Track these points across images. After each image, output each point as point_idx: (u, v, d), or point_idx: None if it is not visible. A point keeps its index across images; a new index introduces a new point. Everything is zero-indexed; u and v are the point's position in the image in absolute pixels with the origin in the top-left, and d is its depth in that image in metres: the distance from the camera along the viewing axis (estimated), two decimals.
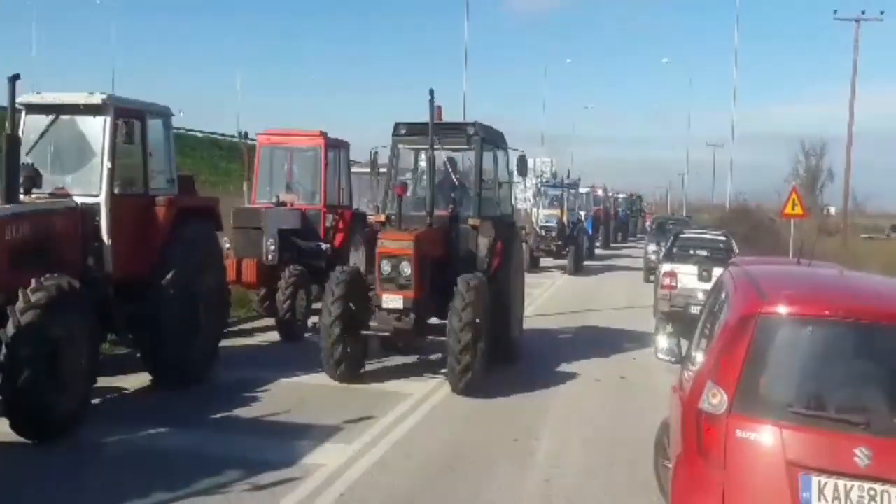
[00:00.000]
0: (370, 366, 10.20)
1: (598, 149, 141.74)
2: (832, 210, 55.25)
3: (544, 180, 27.26)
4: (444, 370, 9.32)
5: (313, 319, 13.03)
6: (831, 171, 65.47)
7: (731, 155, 46.82)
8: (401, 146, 10.83)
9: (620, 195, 50.22)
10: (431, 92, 9.76)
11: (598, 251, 33.28)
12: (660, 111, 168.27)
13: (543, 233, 24.90)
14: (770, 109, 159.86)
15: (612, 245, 39.98)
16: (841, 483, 3.81)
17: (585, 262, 27.07)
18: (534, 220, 25.49)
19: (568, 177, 28.35)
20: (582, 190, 31.15)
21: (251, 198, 13.64)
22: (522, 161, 11.29)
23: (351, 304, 9.28)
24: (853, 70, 36.18)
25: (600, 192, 39.11)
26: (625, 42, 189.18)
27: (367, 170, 19.20)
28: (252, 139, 14.35)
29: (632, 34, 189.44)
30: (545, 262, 25.53)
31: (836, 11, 36.76)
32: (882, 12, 36.16)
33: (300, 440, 7.10)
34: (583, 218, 29.24)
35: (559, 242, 24.77)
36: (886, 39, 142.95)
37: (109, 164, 8.03)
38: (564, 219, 25.31)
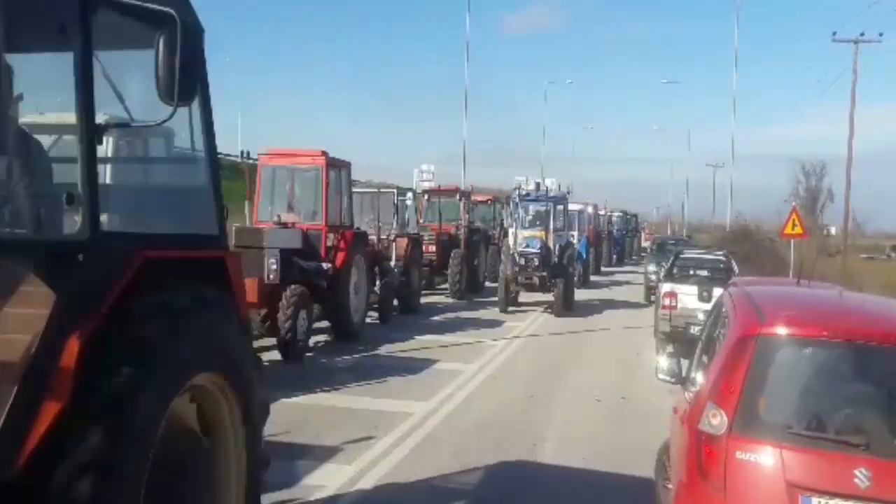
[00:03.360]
0: (371, 384, 10.23)
1: (596, 168, 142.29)
2: (832, 230, 55.27)
3: (522, 192, 20.92)
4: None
5: (315, 339, 13.12)
6: (831, 192, 65.64)
7: (731, 175, 46.91)
8: None
9: (615, 214, 46.55)
10: None
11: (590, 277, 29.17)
12: (659, 131, 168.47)
13: (523, 261, 18.90)
14: (770, 130, 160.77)
15: (606, 269, 36.12)
16: None
17: (579, 292, 22.15)
18: (511, 243, 19.81)
19: (559, 189, 22.04)
20: (573, 207, 26.30)
21: (252, 217, 13.70)
22: (189, 41, 3.42)
23: None
24: (852, 91, 36.33)
25: (590, 210, 34.79)
26: (622, 63, 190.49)
27: (369, 189, 19.62)
28: (254, 159, 14.43)
29: (629, 55, 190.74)
30: (524, 297, 20.35)
31: (834, 33, 36.91)
32: (881, 34, 36.38)
33: (300, 460, 7.08)
34: (575, 240, 23.93)
35: (543, 273, 18.93)
36: (885, 61, 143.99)
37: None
38: (550, 242, 19.69)
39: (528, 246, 19.20)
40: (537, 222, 20.74)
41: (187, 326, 3.53)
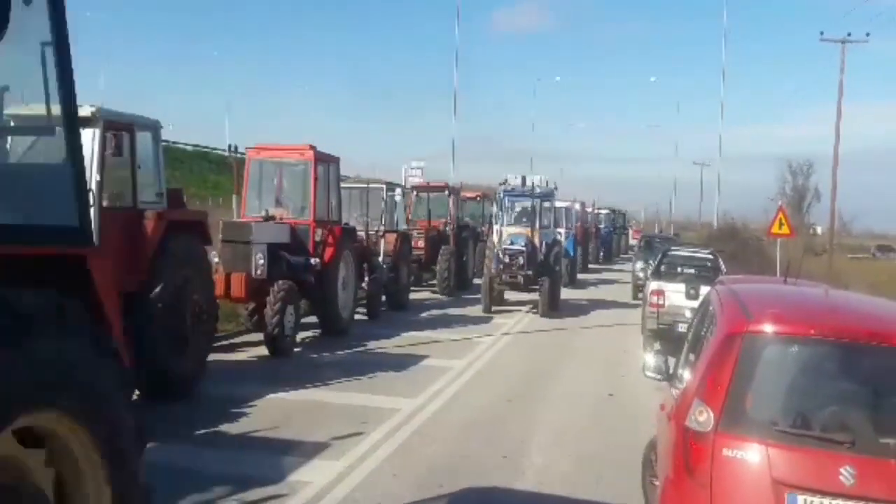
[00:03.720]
0: (359, 380, 10.23)
1: (585, 166, 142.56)
2: (819, 229, 55.73)
3: (508, 188, 19.74)
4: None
5: (303, 335, 13.09)
6: (818, 191, 66.18)
7: (719, 174, 47.21)
8: None
9: (602, 211, 45.63)
10: None
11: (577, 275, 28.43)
12: (647, 130, 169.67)
13: (507, 259, 18.24)
14: (757, 129, 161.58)
15: (593, 267, 35.63)
16: (826, 502, 3.83)
17: (565, 291, 21.40)
18: (495, 240, 18.97)
19: (546, 185, 20.32)
20: (560, 204, 26.12)
21: (240, 212, 13.64)
22: None
23: None
24: (839, 91, 36.57)
25: (578, 207, 33.97)
26: (612, 61, 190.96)
27: (357, 185, 19.55)
28: (242, 153, 14.36)
29: (619, 54, 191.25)
30: (510, 295, 19.85)
31: (822, 33, 37.21)
32: (867, 34, 36.67)
33: (287, 456, 7.06)
34: (562, 237, 23.68)
35: (528, 272, 18.24)
36: (872, 61, 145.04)
37: (98, 177, 8.00)
38: (536, 240, 18.90)
39: (512, 243, 18.47)
40: (523, 219, 20.00)
41: (6, 348, 2.63)
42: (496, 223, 19.63)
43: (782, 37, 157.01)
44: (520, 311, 19.02)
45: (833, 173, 37.01)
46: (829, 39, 36.84)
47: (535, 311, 18.51)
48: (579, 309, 20.23)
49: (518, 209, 20.47)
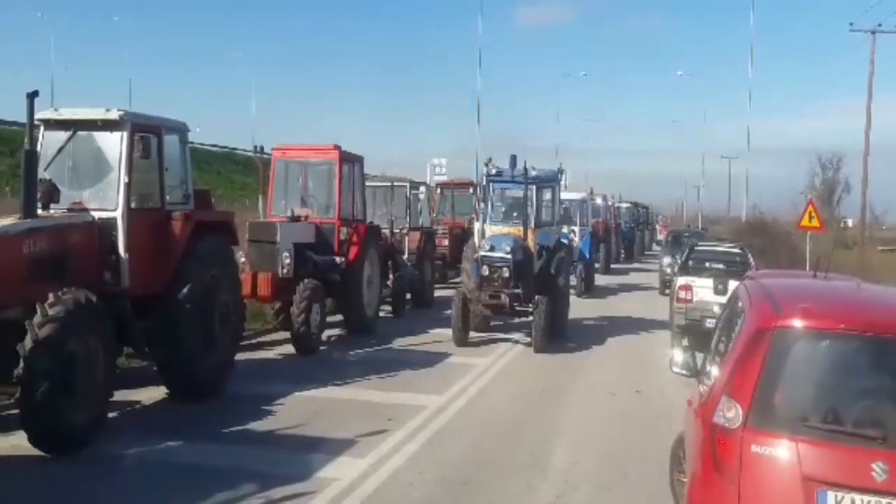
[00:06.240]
0: (384, 378, 10.26)
1: (611, 160, 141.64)
2: (849, 222, 54.83)
3: (493, 171, 14.34)
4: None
5: (328, 333, 13.16)
6: (848, 184, 64.83)
7: (747, 167, 46.46)
8: None
9: (623, 205, 41.26)
10: None
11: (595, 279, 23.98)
12: (675, 123, 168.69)
13: (487, 271, 12.86)
14: (786, 122, 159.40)
15: (615, 267, 31.59)
16: (858, 498, 3.77)
17: (578, 303, 17.21)
18: (476, 244, 13.72)
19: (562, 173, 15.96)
20: (573, 195, 22.95)
21: (266, 212, 13.74)
22: None
23: None
24: (869, 82, 35.92)
25: (599, 201, 30.46)
26: (639, 55, 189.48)
27: (382, 183, 19.59)
28: (267, 154, 14.46)
29: (646, 47, 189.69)
30: (499, 321, 14.36)
31: (851, 23, 36.54)
32: None
33: (314, 454, 7.11)
34: (576, 237, 19.95)
35: (516, 289, 12.82)
36: None
37: (126, 179, 8.11)
38: (530, 242, 13.63)
39: (492, 248, 12.94)
40: (514, 214, 14.64)
41: None
42: (477, 220, 14.66)
43: (810, 28, 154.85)
44: (509, 340, 13.83)
45: (864, 160, 36.29)
46: (859, 29, 36.18)
47: (528, 338, 13.29)
48: (592, 336, 14.70)
49: (509, 200, 15.23)
